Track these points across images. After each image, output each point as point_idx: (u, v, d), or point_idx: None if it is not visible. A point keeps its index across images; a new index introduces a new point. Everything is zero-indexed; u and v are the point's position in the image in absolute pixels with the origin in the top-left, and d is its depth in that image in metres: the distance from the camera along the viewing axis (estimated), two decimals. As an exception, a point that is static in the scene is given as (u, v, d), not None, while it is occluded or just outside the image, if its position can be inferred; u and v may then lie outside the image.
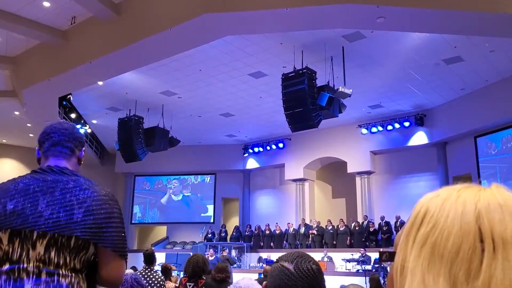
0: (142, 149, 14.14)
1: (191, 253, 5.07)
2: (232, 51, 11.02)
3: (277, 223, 16.80)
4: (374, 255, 13.22)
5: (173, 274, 7.99)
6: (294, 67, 10.53)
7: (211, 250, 13.72)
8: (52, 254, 1.61)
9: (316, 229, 15.62)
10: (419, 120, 14.70)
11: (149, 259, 5.49)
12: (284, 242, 16.27)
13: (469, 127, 13.45)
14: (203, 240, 17.42)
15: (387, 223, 14.58)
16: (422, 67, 11.70)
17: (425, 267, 0.53)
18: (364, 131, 15.68)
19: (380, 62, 11.49)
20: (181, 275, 8.14)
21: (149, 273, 5.28)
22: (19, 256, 1.60)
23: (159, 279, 5.30)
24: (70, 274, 1.63)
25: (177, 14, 8.81)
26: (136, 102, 14.29)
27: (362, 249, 13.45)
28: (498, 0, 7.64)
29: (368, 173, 16.16)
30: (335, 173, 17.55)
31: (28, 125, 15.48)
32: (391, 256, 0.61)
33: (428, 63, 11.47)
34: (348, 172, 16.30)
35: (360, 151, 16.03)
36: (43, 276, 1.59)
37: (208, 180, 19.55)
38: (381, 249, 0.64)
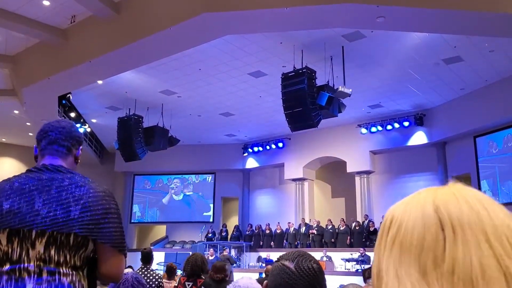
0: (141, 148, 14.13)
1: (191, 253, 5.06)
2: (232, 51, 11.01)
3: (278, 223, 16.80)
4: (373, 255, 13.20)
5: (178, 273, 7.98)
6: (294, 67, 10.53)
7: (211, 249, 13.71)
8: (52, 252, 1.61)
9: (316, 228, 15.62)
10: (418, 120, 14.70)
11: (147, 258, 5.48)
12: (284, 241, 16.27)
13: (468, 127, 13.46)
14: (202, 240, 17.42)
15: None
16: (421, 67, 11.70)
17: (397, 263, 0.57)
18: (364, 130, 15.68)
19: (380, 62, 11.49)
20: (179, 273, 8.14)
21: (146, 272, 5.28)
22: (19, 256, 1.60)
23: (157, 277, 5.29)
24: (71, 272, 1.64)
25: (177, 13, 8.80)
26: (136, 101, 14.29)
27: (361, 249, 13.46)
28: (498, 0, 7.64)
29: (368, 172, 16.16)
30: (334, 173, 17.55)
31: (28, 124, 15.47)
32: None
33: (428, 63, 11.47)
34: (347, 171, 16.30)
35: (359, 150, 16.04)
36: (44, 275, 1.59)
37: (209, 180, 19.54)
38: (365, 267, 0.70)
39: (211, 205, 19.28)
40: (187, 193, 19.62)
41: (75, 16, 10.35)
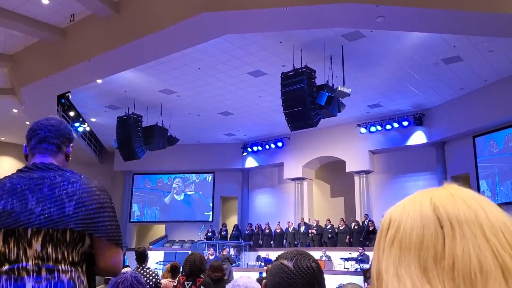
0: (140, 148, 14.12)
1: (190, 252, 5.06)
2: (232, 50, 11.01)
3: (279, 222, 16.80)
4: (372, 254, 13.20)
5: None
6: (294, 66, 10.53)
7: (211, 249, 13.70)
8: (50, 249, 1.61)
9: (315, 228, 15.63)
10: (418, 119, 14.71)
11: (141, 258, 5.47)
12: (284, 241, 16.28)
13: (468, 127, 13.47)
14: (202, 239, 17.42)
15: (386, 222, 14.56)
16: (421, 67, 11.70)
17: (396, 262, 0.58)
18: (363, 130, 15.68)
19: (379, 62, 11.49)
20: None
21: (143, 271, 5.27)
22: (17, 256, 1.60)
23: (154, 276, 5.29)
24: (70, 268, 1.64)
25: (176, 12, 8.80)
26: (135, 100, 14.28)
27: (360, 248, 13.47)
28: (497, 0, 7.65)
29: (367, 172, 16.17)
30: (333, 172, 17.56)
31: (27, 123, 15.43)
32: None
33: (427, 63, 11.47)
34: (346, 171, 16.30)
35: (359, 150, 16.04)
36: (43, 273, 1.59)
37: (210, 179, 19.54)
38: (365, 267, 0.70)
39: (211, 205, 19.28)
40: (188, 193, 19.62)
41: (74, 15, 10.34)
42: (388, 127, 15.19)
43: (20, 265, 1.59)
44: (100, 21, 10.03)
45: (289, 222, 16.58)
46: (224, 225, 18.21)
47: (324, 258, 13.82)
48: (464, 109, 13.36)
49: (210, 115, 15.68)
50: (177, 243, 18.79)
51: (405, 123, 14.89)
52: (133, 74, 12.41)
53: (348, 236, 15.05)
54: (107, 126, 16.20)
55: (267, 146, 17.79)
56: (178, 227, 19.48)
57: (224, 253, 14.10)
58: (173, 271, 6.41)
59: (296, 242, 15.89)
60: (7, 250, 1.60)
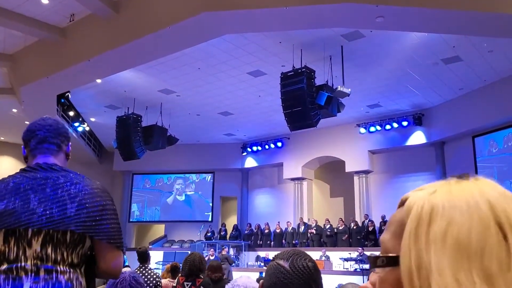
0: (140, 147, 14.12)
1: (189, 252, 5.06)
2: (231, 50, 11.01)
3: (278, 222, 16.80)
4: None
5: None
6: (293, 66, 10.53)
7: (211, 249, 13.70)
8: (49, 250, 1.61)
9: (315, 228, 15.63)
10: (417, 119, 14.71)
11: (143, 258, 5.47)
12: (283, 241, 16.28)
13: (467, 127, 13.47)
14: (201, 239, 17.42)
15: (386, 223, 14.57)
16: (420, 67, 11.71)
17: (454, 265, 0.52)
18: (363, 130, 15.68)
19: (379, 62, 11.49)
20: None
21: (144, 272, 5.26)
22: (16, 255, 1.59)
23: (155, 277, 5.28)
24: (68, 269, 1.63)
25: (176, 12, 8.80)
26: (135, 100, 14.27)
27: (360, 248, 13.47)
28: (497, 0, 7.65)
29: (366, 172, 16.17)
30: (333, 172, 17.56)
31: (26, 122, 15.38)
32: (391, 260, 0.58)
33: (427, 63, 11.48)
34: (346, 171, 16.31)
35: (358, 150, 16.04)
36: (42, 274, 1.59)
37: (209, 179, 19.54)
38: (369, 255, 0.62)
39: (210, 204, 19.28)
40: (188, 193, 19.62)
41: (74, 15, 10.34)
42: (388, 127, 15.19)
43: (19, 264, 1.58)
44: (100, 21, 10.03)
45: (288, 222, 16.58)
46: (224, 225, 18.21)
47: (323, 258, 13.83)
48: (463, 109, 13.36)
49: (210, 115, 15.68)
50: (176, 243, 18.79)
51: (405, 123, 14.90)
52: (133, 74, 12.41)
53: (347, 236, 15.05)
54: (106, 126, 16.20)
55: (266, 146, 17.79)
56: (178, 227, 19.48)
57: (223, 253, 14.10)
58: (173, 271, 6.40)
59: (295, 242, 15.89)
60: (7, 249, 1.60)
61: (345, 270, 13.26)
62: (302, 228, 15.99)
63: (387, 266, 0.58)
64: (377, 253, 0.62)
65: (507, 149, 12.79)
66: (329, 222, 15.65)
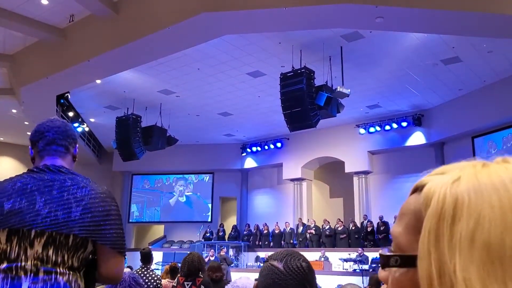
0: (139, 148, 14.12)
1: (189, 252, 5.06)
2: (231, 50, 11.01)
3: (277, 223, 16.80)
4: (371, 255, 13.24)
5: None
6: (293, 67, 10.53)
7: (211, 250, 13.70)
8: (50, 252, 1.61)
9: (314, 228, 15.63)
10: (417, 120, 14.72)
11: (146, 258, 5.47)
12: (282, 241, 16.28)
13: (466, 128, 13.48)
14: (201, 239, 17.41)
15: (384, 223, 14.60)
16: (420, 67, 11.71)
17: (484, 274, 0.43)
18: (362, 131, 15.69)
19: (379, 62, 11.50)
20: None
21: (145, 272, 5.27)
22: (17, 255, 1.60)
23: (155, 278, 5.28)
24: (67, 272, 1.64)
25: (176, 12, 8.80)
26: (134, 100, 14.27)
27: (359, 249, 13.47)
28: (496, 1, 7.66)
29: (366, 173, 16.17)
30: (332, 173, 17.56)
31: (26, 123, 15.44)
32: (407, 261, 0.49)
33: (426, 64, 11.48)
34: (345, 172, 16.31)
35: (357, 151, 16.05)
36: (41, 275, 1.59)
37: (207, 179, 19.54)
38: (380, 251, 0.54)
39: (209, 205, 19.28)
40: (187, 193, 19.63)
41: (73, 15, 10.34)
42: (387, 127, 15.20)
43: (19, 264, 1.59)
44: (100, 21, 10.03)
45: (286, 222, 16.57)
46: (222, 225, 18.20)
47: (322, 259, 13.83)
48: (463, 110, 13.37)
49: (209, 115, 15.68)
50: (176, 243, 18.79)
51: (404, 124, 14.90)
52: (132, 74, 12.41)
53: (345, 235, 15.04)
54: (106, 126, 16.20)
55: (266, 147, 17.79)
56: (177, 227, 19.47)
57: (221, 253, 14.09)
58: (172, 272, 6.40)
59: (293, 243, 15.89)
60: (8, 248, 1.61)
61: (344, 270, 13.26)
62: (301, 229, 15.99)
63: (401, 267, 0.50)
64: (380, 252, 0.56)
65: (506, 150, 12.79)
66: (328, 223, 15.65)
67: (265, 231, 16.94)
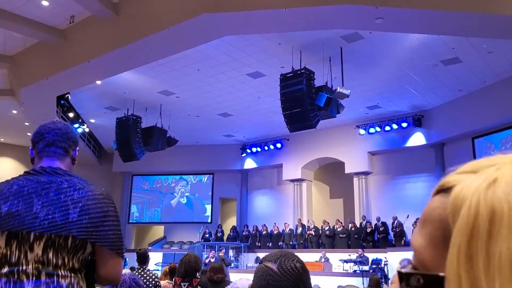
0: (140, 149, 14.12)
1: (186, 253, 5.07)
2: (231, 51, 11.02)
3: (275, 223, 16.80)
4: (371, 256, 13.23)
5: None
6: (293, 68, 10.53)
7: (212, 251, 13.69)
8: (50, 255, 1.61)
9: (313, 229, 15.62)
10: (417, 121, 14.72)
11: (143, 259, 5.47)
12: (281, 242, 16.27)
13: (466, 128, 13.48)
14: (201, 240, 17.41)
15: (383, 224, 14.61)
16: (420, 68, 11.72)
17: None
18: (362, 131, 15.69)
19: (378, 63, 11.50)
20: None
21: (143, 273, 5.27)
22: (18, 259, 1.60)
23: (154, 277, 5.29)
24: (69, 274, 1.63)
25: (176, 13, 8.80)
26: (134, 101, 14.28)
27: (360, 250, 13.47)
28: (496, 2, 7.66)
29: (366, 173, 16.17)
30: (332, 174, 17.55)
31: (26, 124, 15.44)
32: (432, 282, 0.41)
33: (426, 64, 11.49)
34: (345, 172, 16.30)
35: (357, 151, 16.04)
36: (43, 278, 1.59)
37: (205, 180, 19.54)
38: (398, 267, 0.45)
39: (207, 206, 19.28)
40: (186, 194, 19.63)
41: (74, 17, 10.35)
42: (387, 128, 15.20)
43: (20, 268, 1.58)
44: (100, 22, 10.04)
45: (286, 223, 16.56)
46: (220, 226, 18.19)
47: (323, 259, 13.82)
48: (463, 111, 13.37)
49: (209, 116, 15.69)
50: (176, 244, 18.78)
51: (404, 125, 14.90)
52: (133, 75, 12.41)
53: (345, 235, 15.03)
54: (106, 127, 16.20)
55: (266, 147, 17.79)
56: (177, 228, 19.47)
57: (220, 254, 14.08)
58: (171, 273, 6.40)
59: (293, 244, 15.88)
60: (8, 252, 1.60)
61: (344, 271, 13.25)
62: (299, 230, 15.98)
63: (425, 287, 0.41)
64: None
65: (505, 151, 12.74)
66: (327, 223, 15.64)
67: (264, 232, 16.94)
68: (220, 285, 4.42)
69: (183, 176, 19.69)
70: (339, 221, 15.53)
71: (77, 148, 1.91)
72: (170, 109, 14.82)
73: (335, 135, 16.16)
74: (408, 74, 12.06)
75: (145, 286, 5.01)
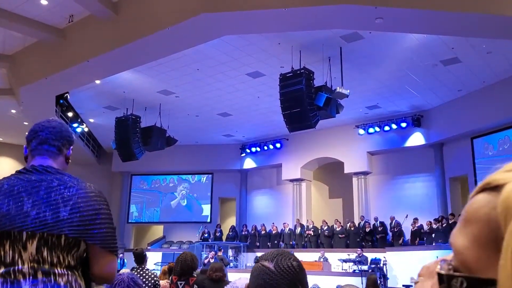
0: (139, 148, 14.11)
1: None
2: (230, 51, 11.01)
3: (273, 223, 16.79)
4: (370, 256, 13.24)
5: None
6: (292, 67, 10.53)
7: (212, 252, 13.68)
8: (45, 253, 1.60)
9: (312, 229, 15.62)
10: (416, 121, 14.72)
11: (140, 259, 5.47)
12: (280, 242, 16.27)
13: (466, 128, 13.48)
14: (199, 240, 17.40)
15: (382, 224, 14.62)
16: (419, 68, 11.72)
17: None
18: (361, 131, 15.69)
19: (378, 63, 11.50)
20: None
21: (141, 272, 5.26)
22: (12, 258, 1.58)
23: (152, 276, 5.28)
24: (66, 272, 1.62)
25: (175, 13, 8.80)
26: (134, 101, 14.27)
27: (359, 250, 13.47)
28: (496, 2, 7.66)
29: (365, 173, 16.17)
30: (332, 174, 17.55)
31: (25, 123, 15.42)
32: (476, 285, 0.38)
33: (426, 64, 11.49)
34: (345, 172, 16.30)
35: (357, 151, 16.05)
36: (40, 276, 1.58)
37: (204, 180, 19.53)
38: (438, 268, 0.41)
39: (204, 207, 19.27)
40: (185, 194, 19.63)
41: (73, 16, 10.34)
42: (387, 128, 15.20)
43: (16, 268, 1.57)
44: (99, 22, 10.03)
45: (285, 223, 16.56)
46: (219, 226, 18.17)
47: (322, 259, 13.82)
48: (462, 111, 13.38)
49: (209, 116, 15.68)
50: (175, 244, 18.77)
51: (404, 125, 14.90)
52: (132, 75, 12.40)
53: (344, 235, 15.04)
54: (105, 127, 16.19)
55: (265, 147, 17.78)
56: (176, 228, 19.46)
57: (219, 254, 14.08)
58: (170, 273, 6.39)
59: (292, 243, 15.88)
60: (2, 253, 1.59)
61: (343, 271, 13.26)
62: (298, 230, 15.98)
63: None
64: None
65: (502, 152, 12.78)
66: (326, 223, 15.64)
67: (263, 232, 16.93)
68: (219, 283, 4.42)
69: (182, 176, 19.67)
70: (338, 221, 15.53)
71: (72, 147, 1.89)
72: (169, 108, 14.81)
73: (335, 135, 16.16)
74: (407, 74, 12.06)
75: (144, 285, 5.00)
